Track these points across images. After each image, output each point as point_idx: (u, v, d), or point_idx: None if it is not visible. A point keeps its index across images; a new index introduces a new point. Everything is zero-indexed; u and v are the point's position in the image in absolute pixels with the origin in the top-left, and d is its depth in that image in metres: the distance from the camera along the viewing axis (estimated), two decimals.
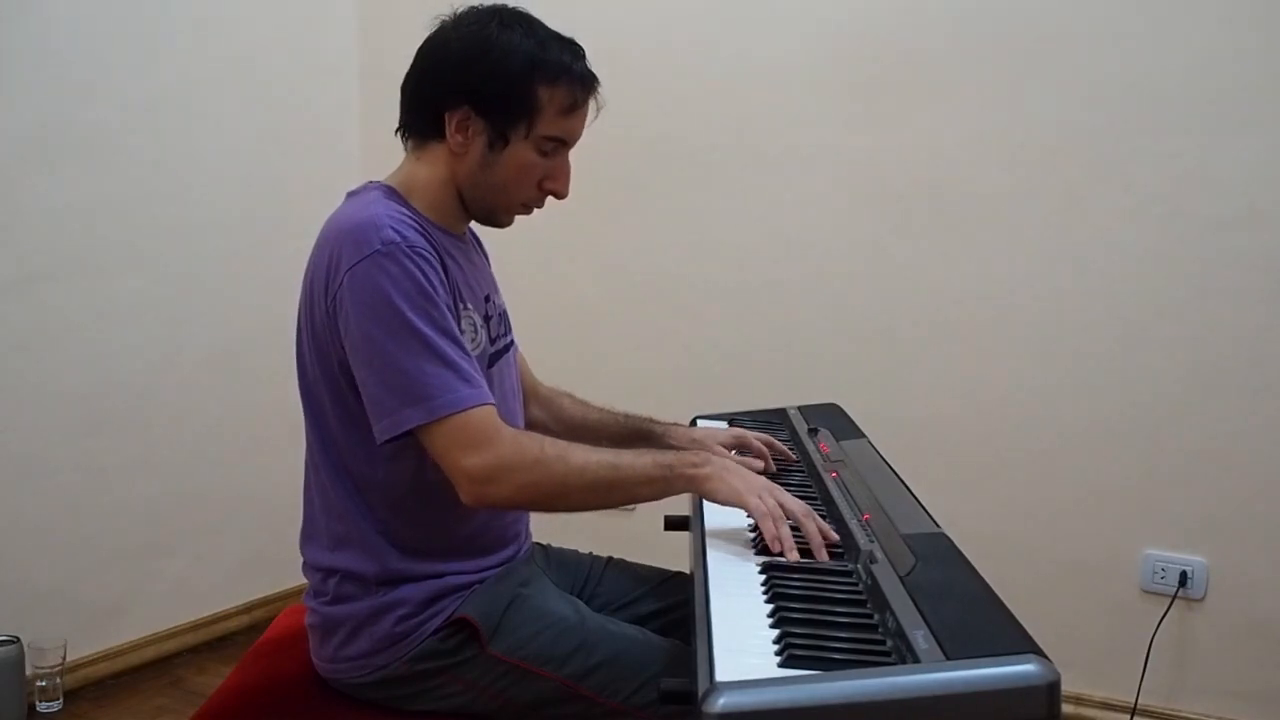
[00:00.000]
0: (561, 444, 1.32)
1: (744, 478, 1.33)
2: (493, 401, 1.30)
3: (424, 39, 1.41)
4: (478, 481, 1.26)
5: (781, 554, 1.24)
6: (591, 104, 1.41)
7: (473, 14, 1.39)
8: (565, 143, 1.40)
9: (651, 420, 1.71)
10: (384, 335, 1.26)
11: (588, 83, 1.39)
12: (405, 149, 1.44)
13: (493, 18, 1.38)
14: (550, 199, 1.44)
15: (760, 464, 1.61)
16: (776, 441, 1.68)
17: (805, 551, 1.26)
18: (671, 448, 1.67)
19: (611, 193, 2.78)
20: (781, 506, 1.29)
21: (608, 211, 2.80)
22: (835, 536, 1.29)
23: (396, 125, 1.43)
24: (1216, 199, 2.24)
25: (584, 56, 1.40)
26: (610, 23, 2.72)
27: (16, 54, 2.31)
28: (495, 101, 1.35)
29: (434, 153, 1.40)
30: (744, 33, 2.62)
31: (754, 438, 1.66)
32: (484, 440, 1.26)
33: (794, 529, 1.28)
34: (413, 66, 1.41)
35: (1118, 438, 2.35)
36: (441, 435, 1.26)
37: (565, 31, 1.42)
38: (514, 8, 1.41)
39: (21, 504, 2.38)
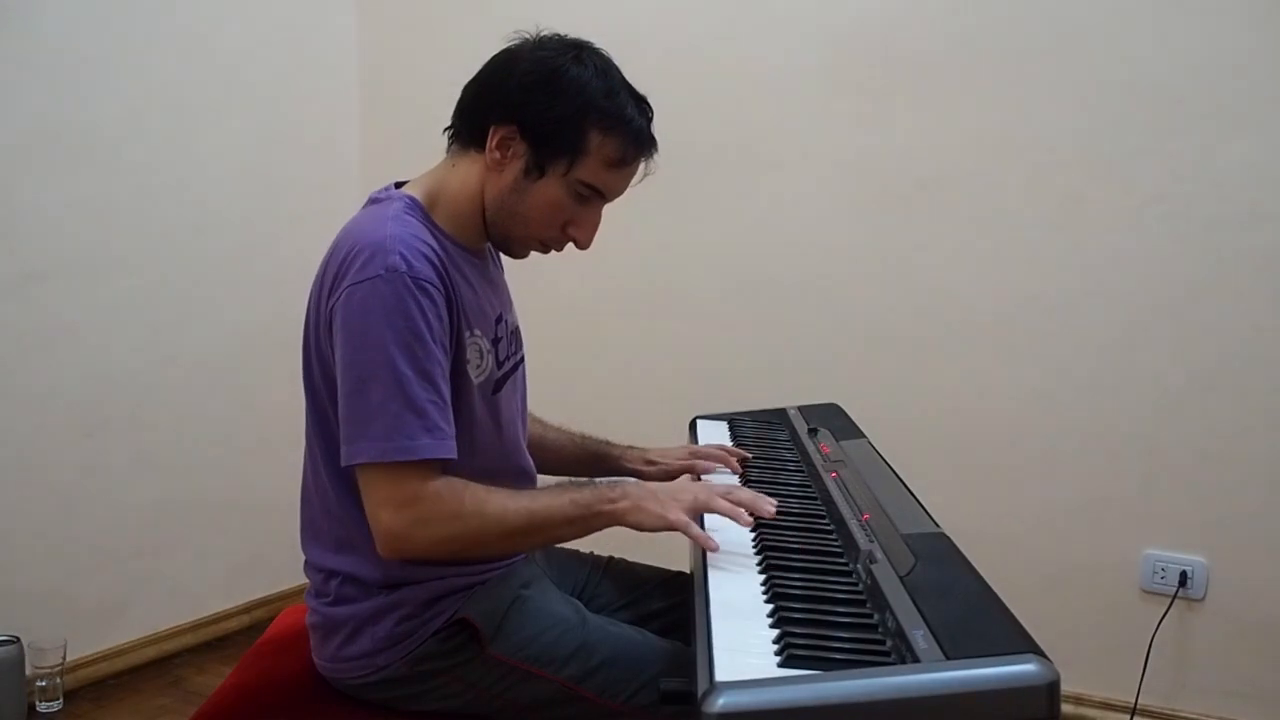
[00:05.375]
0: (481, 493, 1.27)
1: (660, 500, 1.30)
2: (451, 455, 1.26)
3: (499, 50, 1.37)
4: (391, 537, 1.24)
5: (777, 552, 1.24)
6: (641, 166, 1.37)
7: (554, 40, 1.36)
8: (602, 195, 1.37)
9: (608, 443, 1.71)
10: (362, 362, 1.24)
11: (643, 143, 1.35)
12: (447, 151, 1.41)
13: (571, 50, 1.34)
14: (570, 246, 1.41)
15: (734, 475, 1.60)
16: (733, 448, 1.68)
17: (770, 525, 1.31)
18: (626, 469, 1.66)
19: None
20: (706, 492, 1.30)
21: (606, 211, 2.79)
22: (770, 508, 1.31)
23: (446, 125, 1.40)
24: (1216, 199, 2.23)
25: (650, 117, 1.36)
26: (608, 23, 2.71)
27: (16, 54, 2.31)
28: (543, 130, 1.31)
29: (471, 162, 1.37)
30: (744, 33, 2.62)
31: (709, 449, 1.66)
32: (410, 498, 1.23)
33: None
34: (478, 73, 1.38)
35: (1118, 438, 2.35)
36: (374, 477, 1.24)
37: (565, 31, 1.40)
38: (598, 49, 1.37)
39: (21, 504, 2.38)
